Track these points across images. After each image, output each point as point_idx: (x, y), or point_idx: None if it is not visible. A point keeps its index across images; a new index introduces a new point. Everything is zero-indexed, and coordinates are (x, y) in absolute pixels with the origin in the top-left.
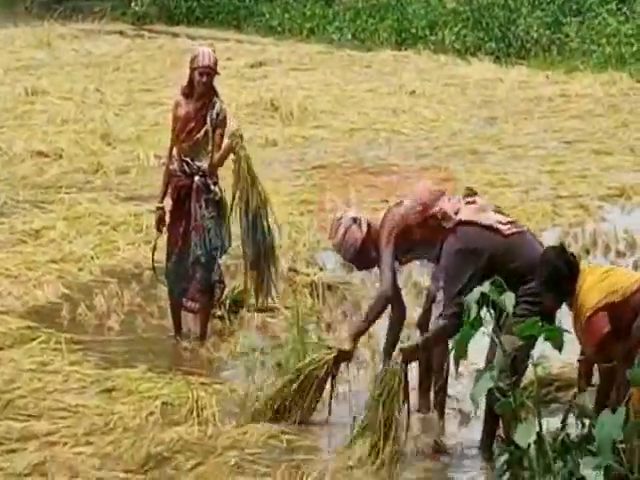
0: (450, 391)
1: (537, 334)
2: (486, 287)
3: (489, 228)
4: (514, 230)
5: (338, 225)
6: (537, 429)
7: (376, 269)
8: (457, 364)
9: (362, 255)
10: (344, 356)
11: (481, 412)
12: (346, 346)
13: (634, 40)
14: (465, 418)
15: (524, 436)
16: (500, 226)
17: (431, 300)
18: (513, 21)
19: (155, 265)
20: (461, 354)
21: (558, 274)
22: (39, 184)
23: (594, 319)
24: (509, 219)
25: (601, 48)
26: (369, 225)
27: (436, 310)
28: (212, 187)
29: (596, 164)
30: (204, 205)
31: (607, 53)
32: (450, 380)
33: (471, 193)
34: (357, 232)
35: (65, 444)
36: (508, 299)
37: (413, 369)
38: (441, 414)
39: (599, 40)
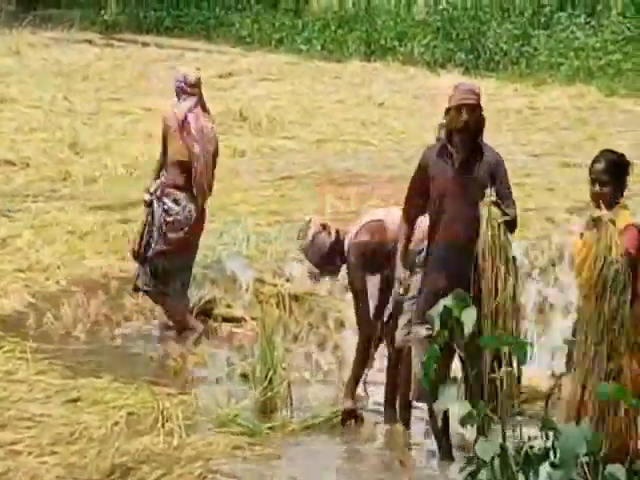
0: (417, 404)
1: (503, 347)
2: (449, 301)
3: None
4: None
5: (308, 228)
6: (500, 441)
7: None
8: (426, 383)
9: (328, 260)
10: None
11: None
12: None
13: (602, 54)
14: (430, 430)
15: (487, 449)
16: None
17: (395, 305)
18: (482, 33)
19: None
20: (430, 374)
21: (617, 166)
22: (6, 192)
23: (629, 231)
24: None
25: (569, 61)
26: (337, 232)
27: (403, 319)
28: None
29: (563, 177)
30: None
31: (575, 66)
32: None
33: None
34: (326, 237)
35: (30, 453)
36: (469, 315)
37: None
38: (407, 426)
39: (567, 53)
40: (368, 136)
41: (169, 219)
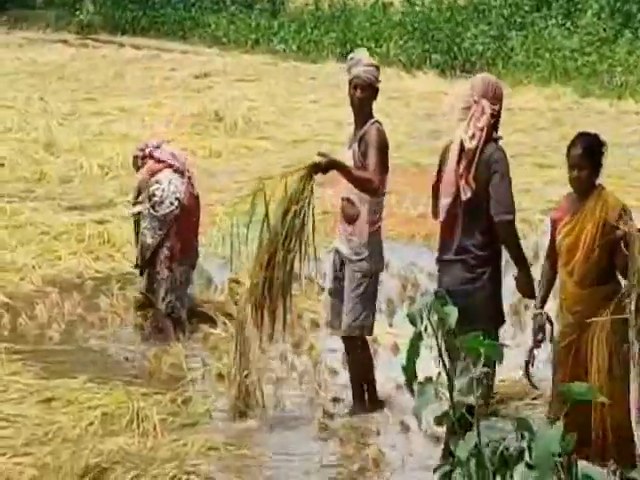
0: (392, 404)
1: (478, 348)
2: (429, 299)
3: None
4: None
5: None
6: (476, 441)
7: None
8: (410, 387)
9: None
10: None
11: (425, 426)
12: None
13: (578, 55)
14: (405, 429)
15: (463, 449)
16: None
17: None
18: (458, 34)
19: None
20: (411, 375)
21: (593, 149)
22: None
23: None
24: None
25: (545, 62)
26: None
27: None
28: None
29: (539, 178)
30: None
31: (551, 67)
32: (392, 392)
33: None
34: None
35: (4, 454)
36: (452, 312)
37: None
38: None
39: (543, 54)
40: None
41: (156, 199)
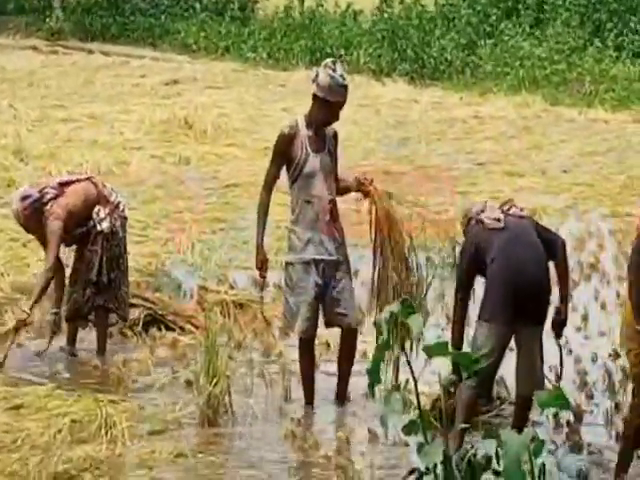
0: (360, 412)
1: (445, 356)
2: (396, 307)
3: None
4: None
5: None
6: (443, 449)
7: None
8: (372, 390)
9: None
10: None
11: (392, 433)
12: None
13: (547, 63)
14: (374, 438)
15: (430, 456)
16: None
17: None
18: (427, 43)
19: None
20: (376, 379)
21: None
22: None
23: None
24: None
25: (514, 71)
26: None
27: None
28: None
29: (508, 186)
30: None
31: (520, 76)
32: (360, 399)
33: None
34: None
35: None
36: (416, 321)
37: None
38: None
39: (512, 63)
40: None
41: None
